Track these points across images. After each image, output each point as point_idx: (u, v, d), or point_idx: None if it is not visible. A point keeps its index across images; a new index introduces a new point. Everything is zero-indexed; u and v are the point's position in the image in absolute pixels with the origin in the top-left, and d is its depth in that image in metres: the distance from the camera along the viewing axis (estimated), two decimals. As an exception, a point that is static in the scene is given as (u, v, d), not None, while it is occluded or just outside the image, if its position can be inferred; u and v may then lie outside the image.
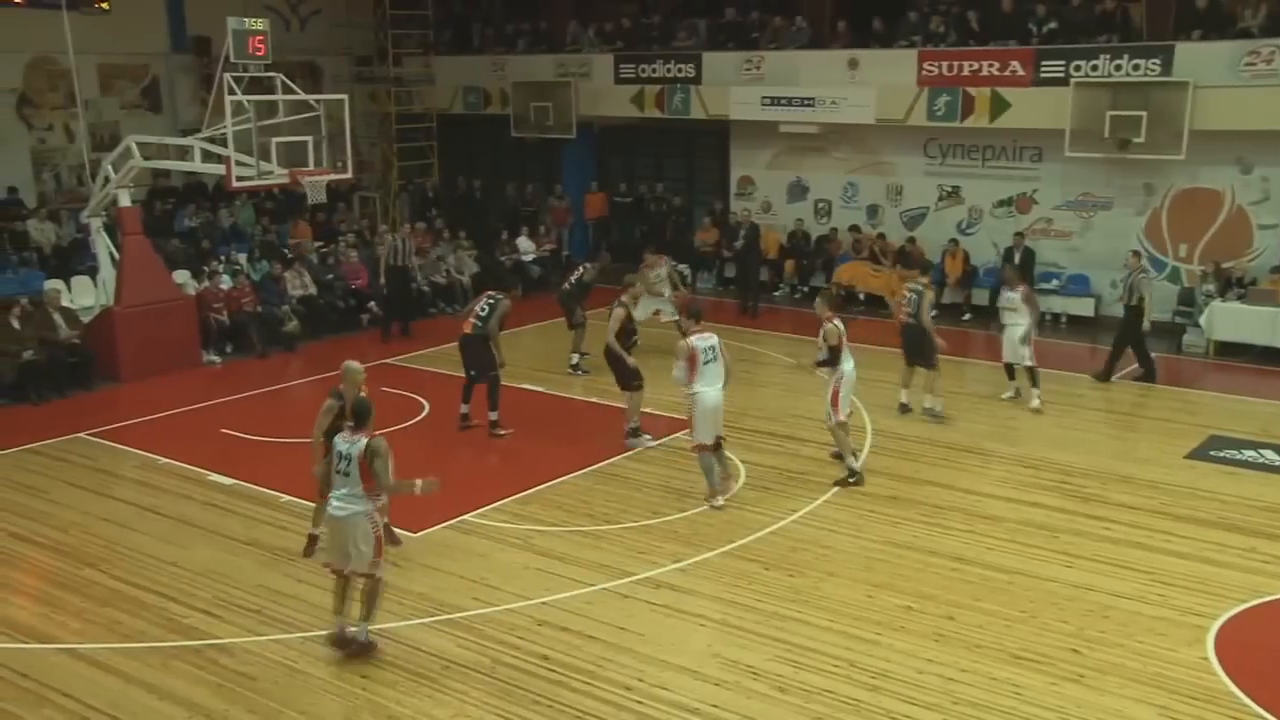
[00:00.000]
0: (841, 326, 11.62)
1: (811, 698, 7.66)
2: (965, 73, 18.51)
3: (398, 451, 8.22)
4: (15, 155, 20.51)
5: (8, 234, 18.70)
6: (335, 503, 8.06)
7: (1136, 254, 15.58)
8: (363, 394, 8.95)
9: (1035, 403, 13.87)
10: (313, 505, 9.83)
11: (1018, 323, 13.86)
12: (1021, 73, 18.04)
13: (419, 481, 8.13)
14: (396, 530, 9.92)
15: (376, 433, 8.16)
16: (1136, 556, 9.83)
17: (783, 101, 20.24)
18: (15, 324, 14.82)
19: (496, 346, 13.05)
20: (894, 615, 8.81)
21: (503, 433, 13.10)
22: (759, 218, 21.11)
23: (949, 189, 20.08)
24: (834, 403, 11.47)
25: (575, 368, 15.82)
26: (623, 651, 8.27)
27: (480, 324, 13.03)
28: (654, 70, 21.93)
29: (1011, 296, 14.02)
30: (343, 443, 8.02)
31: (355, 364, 9.40)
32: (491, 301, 13.21)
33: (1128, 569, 9.59)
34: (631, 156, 24.58)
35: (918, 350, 13.52)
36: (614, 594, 9.20)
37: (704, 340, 10.82)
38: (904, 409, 13.76)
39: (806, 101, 19.96)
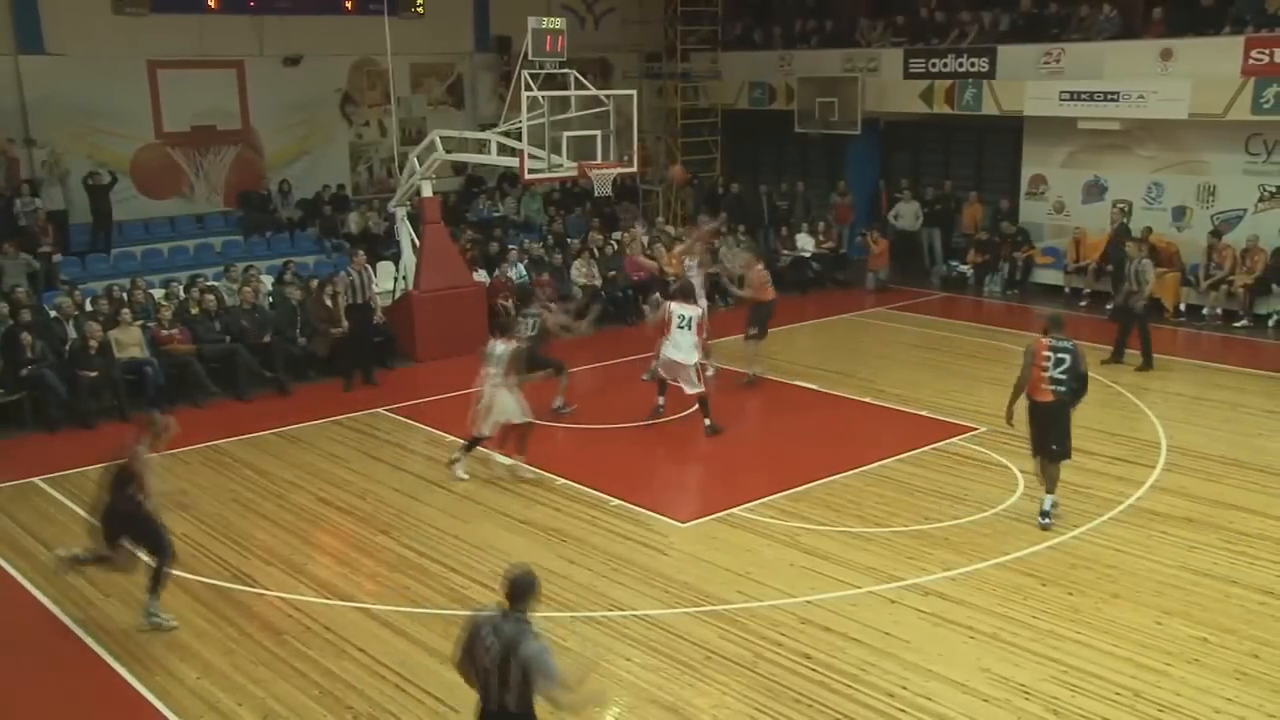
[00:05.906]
0: None
1: (1089, 725, 7.23)
2: (1304, 59, 16.81)
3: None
4: (337, 149, 22.38)
5: (323, 223, 20.36)
6: None
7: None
8: None
9: None
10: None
11: None
12: (1375, 57, 16.23)
13: None
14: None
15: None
16: None
17: (1083, 96, 19.18)
18: (328, 303, 16.04)
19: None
20: (1187, 646, 8.18)
21: (568, 408, 13.62)
22: (1050, 218, 20.03)
23: (1272, 189, 18.41)
24: None
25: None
26: (886, 657, 8.08)
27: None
28: (945, 65, 21.29)
29: None
30: None
31: None
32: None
33: None
34: (917, 153, 23.95)
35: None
36: (880, 598, 9.00)
37: (682, 309, 12.65)
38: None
39: (1110, 96, 18.82)
